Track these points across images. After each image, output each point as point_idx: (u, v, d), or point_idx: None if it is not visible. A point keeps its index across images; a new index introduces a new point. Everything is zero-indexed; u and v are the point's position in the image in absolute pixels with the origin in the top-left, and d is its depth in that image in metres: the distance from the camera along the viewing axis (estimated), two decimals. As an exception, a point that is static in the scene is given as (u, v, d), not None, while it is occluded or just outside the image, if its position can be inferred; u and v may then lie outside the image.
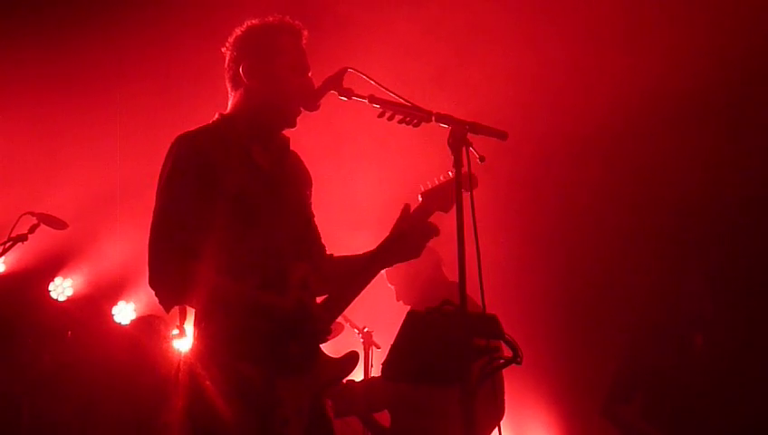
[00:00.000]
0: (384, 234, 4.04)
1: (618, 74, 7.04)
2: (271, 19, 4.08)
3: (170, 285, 3.62)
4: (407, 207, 4.06)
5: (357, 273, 3.98)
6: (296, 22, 4.10)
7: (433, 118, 3.70)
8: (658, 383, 5.89)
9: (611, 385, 6.12)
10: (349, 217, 7.11)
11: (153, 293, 3.67)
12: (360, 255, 4.14)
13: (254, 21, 4.10)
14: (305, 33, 4.11)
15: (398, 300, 6.08)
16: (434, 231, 4.04)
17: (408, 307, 5.81)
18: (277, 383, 3.60)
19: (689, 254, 6.69)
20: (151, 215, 3.73)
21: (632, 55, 7.01)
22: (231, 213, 3.75)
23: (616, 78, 7.06)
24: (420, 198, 4.05)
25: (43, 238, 7.15)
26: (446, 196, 3.99)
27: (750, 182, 6.88)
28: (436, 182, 4.05)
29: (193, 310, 3.77)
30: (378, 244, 4.05)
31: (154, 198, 3.80)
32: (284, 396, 3.62)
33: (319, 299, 3.99)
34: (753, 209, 6.84)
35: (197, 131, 3.91)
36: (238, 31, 4.09)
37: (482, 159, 3.58)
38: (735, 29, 6.63)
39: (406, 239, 4.02)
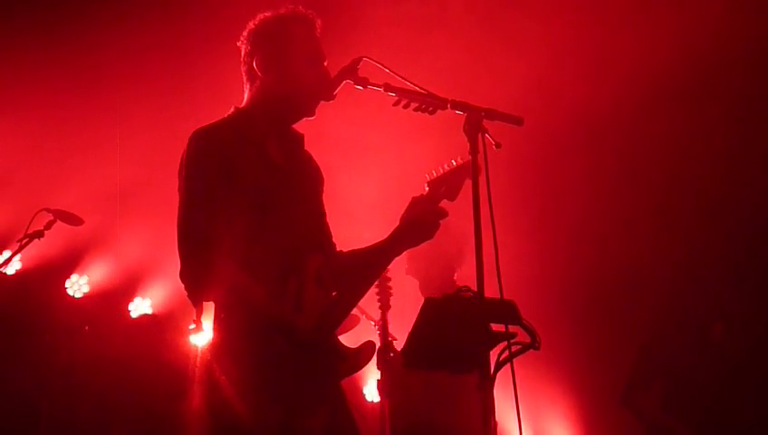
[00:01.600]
0: (390, 229, 4.04)
1: (631, 56, 7.03)
2: (283, 10, 4.09)
3: (199, 279, 3.64)
4: (414, 198, 4.05)
5: (369, 264, 4.00)
6: (309, 11, 4.10)
7: (449, 105, 3.70)
8: (678, 372, 5.87)
9: (630, 373, 6.10)
10: (355, 212, 7.11)
11: (183, 286, 3.69)
12: (368, 247, 4.14)
13: (266, 13, 4.10)
14: (318, 22, 4.11)
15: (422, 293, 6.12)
16: (443, 214, 4.02)
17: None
18: (298, 378, 3.63)
19: (712, 241, 6.64)
20: (171, 210, 3.76)
21: (644, 36, 7.00)
22: (248, 207, 3.76)
23: (630, 60, 7.04)
24: (426, 187, 4.04)
25: (60, 235, 7.17)
26: (452, 184, 3.99)
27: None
28: (442, 171, 4.03)
29: (211, 304, 3.78)
30: (386, 236, 4.04)
31: (169, 193, 3.83)
32: (305, 387, 3.64)
33: (332, 293, 4.00)
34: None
35: (214, 126, 3.93)
36: (251, 24, 4.10)
37: (498, 145, 3.58)
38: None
39: (417, 224, 4.00)
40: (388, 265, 4.10)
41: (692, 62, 6.76)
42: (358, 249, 4.21)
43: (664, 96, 7.03)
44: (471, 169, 3.58)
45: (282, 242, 3.84)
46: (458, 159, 3.96)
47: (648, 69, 6.94)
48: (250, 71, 4.05)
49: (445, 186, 4.00)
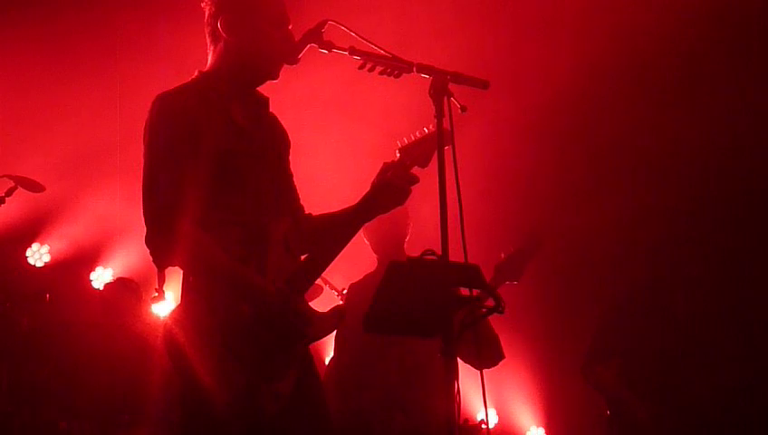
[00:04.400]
0: (361, 193, 4.02)
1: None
2: None
3: (165, 243, 3.63)
4: (386, 164, 4.03)
5: (339, 227, 3.96)
6: None
7: (414, 68, 3.69)
8: (638, 345, 5.93)
9: (590, 344, 6.15)
10: (326, 176, 7.09)
11: (147, 252, 3.68)
12: (337, 212, 4.13)
13: None
14: None
15: (374, 252, 6.09)
16: (414, 180, 4.00)
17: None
18: (264, 341, 3.64)
19: (676, 217, 6.71)
20: (134, 178, 3.74)
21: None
22: (213, 171, 3.74)
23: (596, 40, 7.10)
24: (398, 154, 4.02)
25: (20, 202, 7.10)
26: (423, 151, 3.96)
27: (738, 151, 6.91)
28: (413, 138, 4.01)
29: (172, 272, 3.76)
30: (357, 201, 4.02)
31: (133, 160, 3.80)
32: (272, 351, 3.65)
33: (301, 257, 3.99)
34: (740, 178, 6.86)
35: (178, 90, 3.89)
36: None
37: (463, 108, 3.58)
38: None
39: (389, 189, 3.97)
40: (359, 229, 4.04)
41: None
42: (328, 213, 4.19)
43: (632, 77, 7.07)
44: (446, 137, 3.61)
45: (247, 206, 3.83)
46: (430, 127, 3.93)
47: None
48: (214, 32, 4.01)
49: (416, 152, 3.98)
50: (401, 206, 4.06)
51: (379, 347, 5.64)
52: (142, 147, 3.80)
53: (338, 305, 3.92)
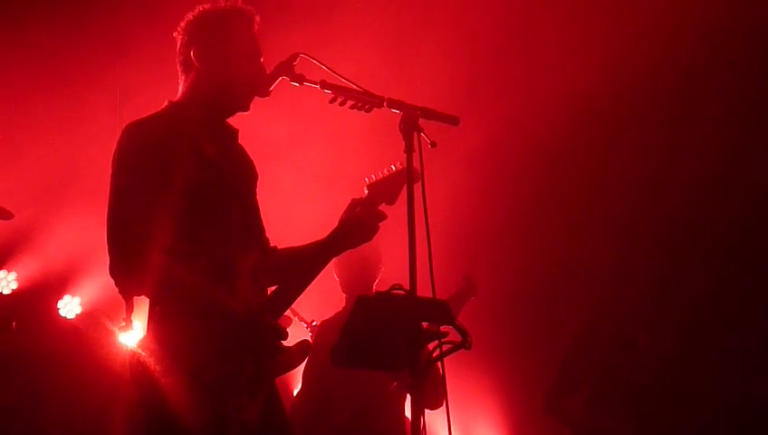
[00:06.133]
0: (329, 226, 4.05)
1: (568, 63, 7.14)
2: (222, 4, 4.07)
3: (132, 272, 3.60)
4: (354, 200, 4.07)
5: (306, 262, 3.97)
6: (248, 7, 4.09)
7: (385, 103, 3.72)
8: (604, 379, 5.96)
9: (557, 378, 6.17)
10: (293, 210, 7.09)
11: (113, 282, 3.67)
12: (305, 246, 4.14)
13: (205, 5, 4.08)
14: (257, 18, 4.09)
15: (343, 291, 6.16)
16: (382, 217, 4.05)
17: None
18: (232, 373, 3.62)
19: (636, 255, 6.75)
20: (102, 207, 3.72)
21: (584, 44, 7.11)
22: (182, 202, 3.72)
23: (567, 66, 7.15)
24: (366, 190, 4.06)
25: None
26: (391, 188, 4.02)
27: (699, 183, 6.96)
28: (381, 175, 4.06)
29: (140, 301, 3.75)
30: (325, 235, 4.04)
31: (102, 189, 3.79)
32: (239, 382, 3.63)
33: (268, 290, 4.00)
34: (701, 213, 6.92)
35: (148, 119, 3.89)
36: (190, 15, 4.06)
37: (433, 144, 3.61)
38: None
39: (356, 226, 4.02)
40: (326, 264, 4.06)
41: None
42: (294, 247, 4.21)
43: (598, 102, 7.12)
44: (415, 175, 3.64)
45: (216, 238, 3.82)
46: (398, 164, 3.98)
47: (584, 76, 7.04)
48: (186, 61, 4.02)
49: (384, 189, 4.03)
50: (369, 242, 4.10)
51: (336, 384, 5.73)
52: (109, 176, 3.79)
53: (303, 340, 3.91)
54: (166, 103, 4.02)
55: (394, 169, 4.01)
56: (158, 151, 3.72)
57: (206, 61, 3.97)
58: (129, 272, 3.61)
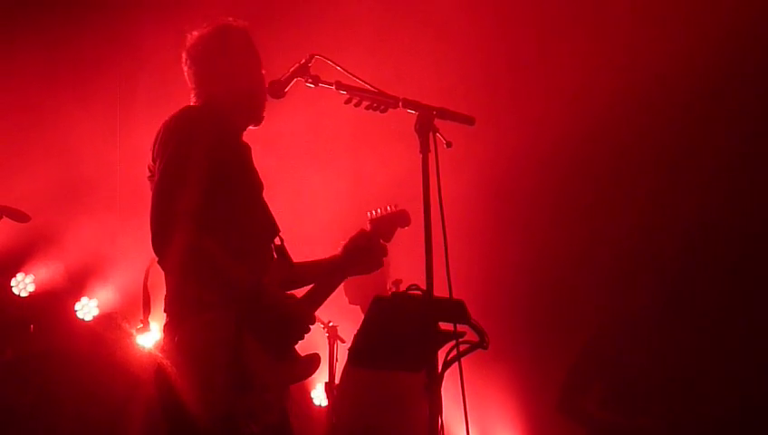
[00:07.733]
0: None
1: (585, 64, 7.13)
2: (216, 24, 4.17)
3: (171, 250, 3.64)
4: (363, 231, 4.27)
5: (324, 276, 4.14)
6: (240, 22, 4.20)
7: (400, 103, 3.73)
8: (617, 375, 5.96)
9: (569, 378, 6.18)
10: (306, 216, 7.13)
11: (157, 258, 3.70)
12: (320, 261, 4.30)
13: (200, 30, 4.17)
14: (251, 31, 4.21)
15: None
16: (384, 252, 4.31)
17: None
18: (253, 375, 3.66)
19: (650, 256, 6.75)
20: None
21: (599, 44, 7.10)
22: (224, 192, 3.83)
23: (584, 67, 7.15)
24: (369, 225, 4.26)
25: (5, 232, 7.07)
26: (388, 227, 4.28)
27: (713, 181, 6.95)
28: (381, 212, 4.28)
29: (157, 304, 3.78)
30: (335, 250, 4.28)
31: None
32: (259, 386, 3.68)
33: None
34: (708, 211, 6.90)
35: (200, 107, 4.02)
36: (187, 43, 4.16)
37: (448, 144, 3.61)
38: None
39: (367, 254, 4.25)
40: (338, 286, 4.21)
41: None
42: (308, 262, 4.31)
43: (615, 106, 7.12)
44: (406, 219, 4.10)
45: (249, 228, 3.94)
46: (392, 206, 4.27)
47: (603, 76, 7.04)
48: (196, 88, 4.12)
49: (383, 227, 4.27)
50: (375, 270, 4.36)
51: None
52: (159, 148, 3.81)
53: (315, 353, 4.00)
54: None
55: (389, 209, 4.28)
56: (212, 138, 3.81)
57: (213, 83, 4.07)
58: (168, 249, 3.63)
